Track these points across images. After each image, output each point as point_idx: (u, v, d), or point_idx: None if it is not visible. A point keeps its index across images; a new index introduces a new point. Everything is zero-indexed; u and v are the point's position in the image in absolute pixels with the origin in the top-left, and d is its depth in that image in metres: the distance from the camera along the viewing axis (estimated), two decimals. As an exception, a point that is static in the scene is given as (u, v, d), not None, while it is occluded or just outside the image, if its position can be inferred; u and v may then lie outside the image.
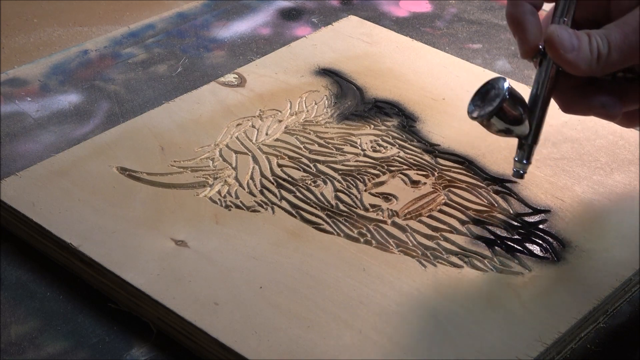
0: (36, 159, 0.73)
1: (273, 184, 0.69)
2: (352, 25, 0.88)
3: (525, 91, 0.79)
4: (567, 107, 0.62)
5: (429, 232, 0.66)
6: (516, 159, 0.62)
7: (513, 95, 0.59)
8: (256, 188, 0.69)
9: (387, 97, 0.79)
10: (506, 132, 0.60)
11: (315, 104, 0.78)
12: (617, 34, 0.58)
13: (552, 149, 0.73)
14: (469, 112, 0.60)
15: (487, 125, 0.60)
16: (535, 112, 0.61)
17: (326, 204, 0.68)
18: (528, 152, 0.62)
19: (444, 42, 0.90)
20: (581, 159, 0.72)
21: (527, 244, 0.65)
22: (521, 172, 0.62)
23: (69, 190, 0.68)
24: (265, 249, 0.64)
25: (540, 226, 0.66)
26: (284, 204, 0.68)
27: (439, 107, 0.78)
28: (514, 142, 0.74)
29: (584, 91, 0.61)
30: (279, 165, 0.71)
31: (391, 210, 0.67)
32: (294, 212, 0.67)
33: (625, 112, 0.62)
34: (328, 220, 0.66)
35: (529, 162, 0.62)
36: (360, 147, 0.73)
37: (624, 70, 0.61)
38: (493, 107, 0.59)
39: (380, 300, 0.61)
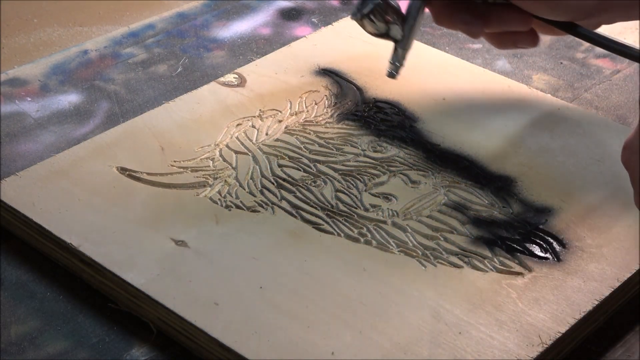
0: (36, 159, 0.73)
1: (273, 184, 0.69)
2: (352, 25, 0.87)
3: (525, 91, 0.80)
4: (437, 19, 0.70)
5: (429, 232, 0.66)
6: (390, 60, 0.70)
7: (387, 2, 0.67)
8: (256, 188, 0.69)
9: (387, 97, 0.79)
10: (380, 35, 0.69)
11: (315, 104, 0.78)
12: None
13: (552, 148, 0.73)
14: (351, 14, 0.68)
15: (362, 26, 0.68)
16: (409, 20, 0.68)
17: (326, 204, 0.68)
18: (400, 56, 0.70)
19: (444, 42, 0.90)
20: (581, 158, 0.72)
21: (527, 244, 0.65)
22: (393, 72, 0.71)
23: (69, 190, 0.68)
24: (265, 249, 0.64)
25: (540, 226, 0.66)
26: (284, 204, 0.68)
27: (439, 107, 0.78)
28: (515, 140, 0.74)
29: (453, 7, 0.69)
30: (279, 166, 0.71)
31: (391, 210, 0.67)
32: (294, 212, 0.67)
33: (496, 34, 0.71)
34: (328, 220, 0.66)
35: (401, 65, 0.70)
36: (360, 147, 0.73)
37: None
38: (366, 9, 0.67)
39: (380, 300, 0.61)
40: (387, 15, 0.67)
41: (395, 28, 0.68)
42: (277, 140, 0.74)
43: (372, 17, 0.67)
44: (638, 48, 0.66)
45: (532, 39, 0.71)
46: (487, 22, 0.69)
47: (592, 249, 0.65)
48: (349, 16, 0.68)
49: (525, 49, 0.74)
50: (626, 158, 0.59)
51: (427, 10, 0.70)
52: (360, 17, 0.68)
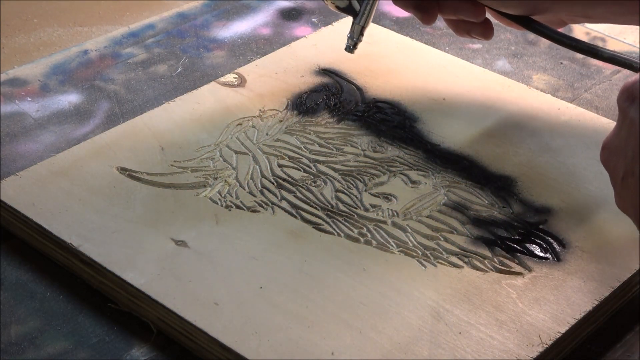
0: (36, 159, 0.73)
1: (273, 184, 0.69)
2: (352, 25, 0.88)
3: (525, 91, 0.80)
4: (395, 0, 0.72)
5: (429, 232, 0.66)
6: (348, 35, 0.75)
7: None
8: (256, 188, 0.69)
9: (387, 97, 0.79)
10: (341, 9, 0.74)
11: (315, 104, 0.78)
12: None
13: (552, 148, 0.73)
14: None
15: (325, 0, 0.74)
16: None
17: (326, 204, 0.68)
18: (357, 32, 0.74)
19: (444, 42, 0.90)
20: (581, 158, 0.72)
21: (527, 244, 0.65)
22: (351, 47, 0.75)
23: (69, 190, 0.68)
24: (265, 249, 0.64)
25: (540, 226, 0.66)
26: (284, 204, 0.68)
27: (439, 107, 0.78)
28: (515, 140, 0.74)
29: None
30: (279, 166, 0.71)
31: (391, 210, 0.67)
32: (294, 212, 0.67)
33: (452, 21, 0.72)
34: (328, 220, 0.66)
35: (358, 40, 0.75)
36: (360, 147, 0.73)
37: None
38: None
39: (380, 300, 0.61)
40: None
41: (354, 3, 0.73)
42: (277, 140, 0.74)
43: None
44: (587, 42, 0.66)
45: (484, 31, 0.71)
46: (442, 8, 0.70)
47: (592, 249, 0.65)
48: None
49: (481, 41, 0.75)
50: (605, 158, 0.59)
51: None
52: None
